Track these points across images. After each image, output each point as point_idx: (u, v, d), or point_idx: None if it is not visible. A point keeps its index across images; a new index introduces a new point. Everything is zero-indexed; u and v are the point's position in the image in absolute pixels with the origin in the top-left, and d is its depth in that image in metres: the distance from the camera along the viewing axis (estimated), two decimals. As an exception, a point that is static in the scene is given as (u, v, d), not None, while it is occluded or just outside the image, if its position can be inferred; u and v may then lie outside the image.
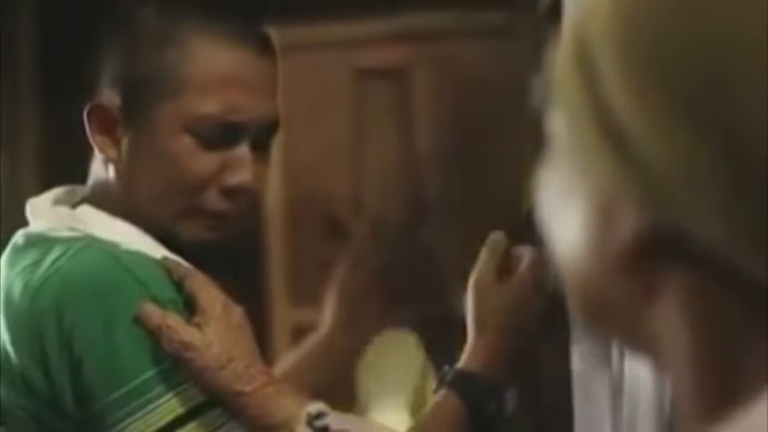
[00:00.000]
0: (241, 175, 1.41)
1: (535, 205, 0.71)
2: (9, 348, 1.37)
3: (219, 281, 1.44)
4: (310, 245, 3.30)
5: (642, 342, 0.64)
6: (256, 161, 1.43)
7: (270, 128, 1.46)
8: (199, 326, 1.32)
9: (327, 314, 1.73)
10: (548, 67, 0.67)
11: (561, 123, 0.66)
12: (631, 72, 0.62)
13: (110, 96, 1.43)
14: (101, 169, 1.46)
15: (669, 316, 0.62)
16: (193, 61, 1.40)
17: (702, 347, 0.61)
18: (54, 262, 1.37)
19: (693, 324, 0.61)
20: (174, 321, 1.32)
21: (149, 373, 1.32)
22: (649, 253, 0.61)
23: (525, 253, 1.44)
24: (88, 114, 1.44)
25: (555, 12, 1.96)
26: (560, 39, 0.67)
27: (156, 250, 1.40)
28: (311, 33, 3.12)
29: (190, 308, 1.36)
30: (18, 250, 1.43)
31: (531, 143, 3.33)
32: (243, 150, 1.42)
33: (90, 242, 1.38)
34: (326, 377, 1.59)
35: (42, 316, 1.34)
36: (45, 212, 1.45)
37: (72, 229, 1.41)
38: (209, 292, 1.35)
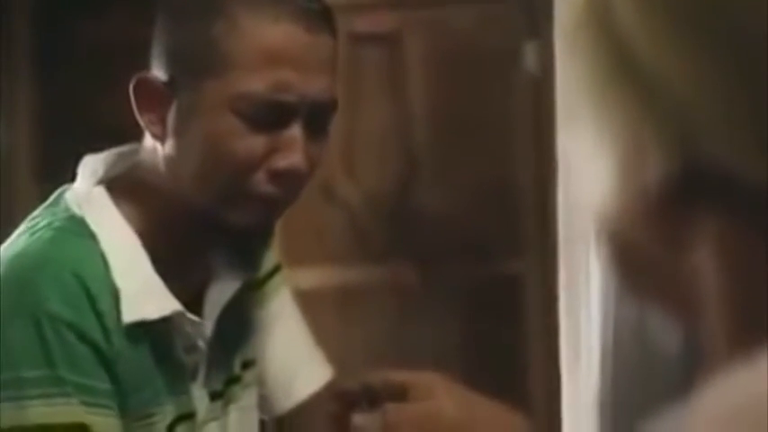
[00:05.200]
0: (291, 158, 1.34)
1: None
2: None
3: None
4: (304, 209, 3.32)
5: (675, 292, 0.64)
6: (310, 143, 1.35)
7: (324, 108, 1.37)
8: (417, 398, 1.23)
9: None
10: (558, 22, 0.67)
11: (580, 75, 0.66)
12: (649, 15, 0.62)
13: (157, 71, 1.37)
14: (149, 145, 1.40)
15: (702, 261, 0.62)
16: (240, 36, 1.32)
17: (735, 290, 0.62)
18: (23, 234, 1.38)
19: (726, 268, 0.61)
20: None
21: (19, 374, 1.30)
22: (680, 196, 0.61)
23: None
24: (134, 89, 1.38)
25: (545, -22, 1.99)
26: None
27: (138, 263, 1.37)
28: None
29: (107, 331, 1.32)
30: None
31: (522, 106, 3.35)
32: (294, 131, 1.34)
33: (58, 228, 1.36)
34: None
35: None
36: (79, 180, 1.43)
37: (77, 206, 1.39)
38: (399, 374, 1.27)
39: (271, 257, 1.62)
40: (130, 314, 1.34)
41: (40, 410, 1.30)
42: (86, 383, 1.32)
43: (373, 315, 3.21)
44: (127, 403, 1.36)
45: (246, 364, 1.54)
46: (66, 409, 1.31)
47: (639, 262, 0.65)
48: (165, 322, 1.38)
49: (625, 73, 0.63)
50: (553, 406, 2.36)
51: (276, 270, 1.62)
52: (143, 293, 1.36)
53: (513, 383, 3.03)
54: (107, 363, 1.33)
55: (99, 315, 1.33)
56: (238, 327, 1.53)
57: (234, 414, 1.50)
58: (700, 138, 0.60)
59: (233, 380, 1.51)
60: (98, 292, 1.33)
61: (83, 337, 1.31)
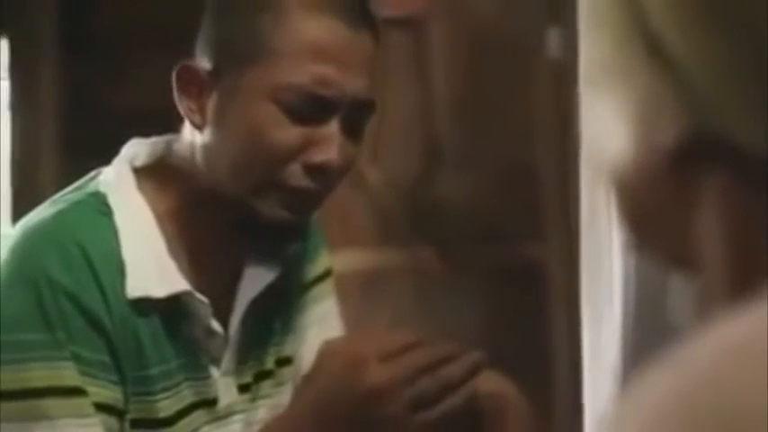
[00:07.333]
0: (327, 153, 1.34)
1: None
2: None
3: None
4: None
5: (682, 252, 0.67)
6: (346, 141, 1.37)
7: (362, 108, 1.39)
8: None
9: None
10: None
11: (603, 44, 0.69)
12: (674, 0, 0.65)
13: (200, 59, 1.39)
14: (186, 134, 1.42)
15: (707, 220, 0.65)
16: (287, 28, 1.34)
17: (737, 249, 0.64)
18: (45, 207, 1.41)
19: (730, 226, 0.64)
20: None
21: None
22: (690, 159, 0.64)
23: None
24: (176, 77, 1.39)
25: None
26: None
27: (151, 242, 1.38)
28: (329, -17, 3.14)
29: (109, 304, 1.33)
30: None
31: (546, 92, 3.35)
32: (332, 127, 1.35)
33: (75, 202, 1.39)
34: None
35: None
36: (115, 161, 1.45)
37: (104, 185, 1.40)
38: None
39: (323, 261, 1.63)
40: (135, 290, 1.36)
41: (39, 373, 1.31)
42: (81, 353, 1.33)
43: (396, 300, 3.22)
44: (131, 379, 1.37)
45: (282, 362, 1.54)
46: (66, 373, 1.32)
47: (651, 223, 0.69)
48: (175, 302, 1.39)
49: (648, 50, 0.66)
50: (575, 386, 2.37)
51: (327, 275, 1.63)
52: (152, 271, 1.37)
53: (535, 366, 3.03)
54: (107, 335, 1.34)
55: (101, 287, 1.34)
56: (274, 321, 1.53)
57: (263, 410, 1.50)
58: (707, 108, 0.63)
59: (264, 374, 1.52)
60: (102, 265, 1.34)
61: (80, 306, 1.32)
